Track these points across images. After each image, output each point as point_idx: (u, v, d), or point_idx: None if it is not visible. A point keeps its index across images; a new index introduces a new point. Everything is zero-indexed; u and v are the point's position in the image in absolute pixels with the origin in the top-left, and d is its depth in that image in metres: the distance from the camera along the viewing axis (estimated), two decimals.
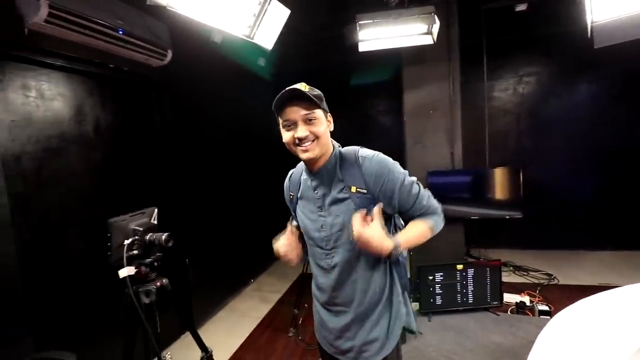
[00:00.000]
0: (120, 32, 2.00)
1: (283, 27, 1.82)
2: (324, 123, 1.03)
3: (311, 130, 1.00)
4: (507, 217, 2.94)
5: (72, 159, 2.08)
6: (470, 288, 2.83)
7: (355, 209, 1.02)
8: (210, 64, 3.10)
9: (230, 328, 2.99)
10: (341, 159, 1.08)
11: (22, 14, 1.65)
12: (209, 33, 2.71)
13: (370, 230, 0.95)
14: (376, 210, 0.98)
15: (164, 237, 1.38)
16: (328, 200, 1.07)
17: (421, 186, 1.09)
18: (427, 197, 1.09)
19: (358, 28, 2.37)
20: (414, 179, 1.09)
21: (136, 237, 1.32)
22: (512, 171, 2.93)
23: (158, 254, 1.42)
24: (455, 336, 2.55)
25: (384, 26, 2.35)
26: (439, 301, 2.85)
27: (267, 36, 1.92)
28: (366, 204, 1.02)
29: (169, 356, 1.44)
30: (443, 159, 3.00)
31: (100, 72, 2.19)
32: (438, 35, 2.38)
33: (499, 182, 2.98)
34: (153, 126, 2.70)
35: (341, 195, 1.05)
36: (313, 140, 1.00)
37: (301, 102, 0.98)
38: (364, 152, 1.09)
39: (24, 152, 1.83)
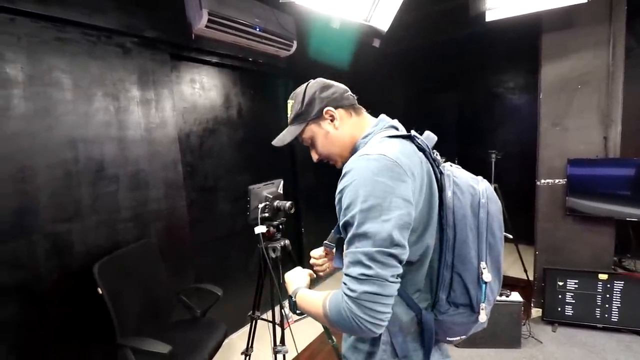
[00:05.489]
0: (257, 29, 2.34)
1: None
2: (320, 135, 0.87)
3: (317, 152, 0.91)
4: None
5: (221, 137, 2.60)
6: (616, 304, 2.35)
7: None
8: (328, 50, 3.30)
9: None
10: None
11: (190, 22, 2.12)
12: (328, 20, 2.87)
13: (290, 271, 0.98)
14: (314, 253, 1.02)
15: (287, 204, 1.63)
16: None
17: (364, 237, 0.65)
18: (351, 256, 0.66)
19: None
20: (365, 222, 0.66)
21: (267, 202, 1.60)
22: None
23: (282, 218, 1.69)
24: (587, 355, 2.19)
25: None
26: (569, 311, 2.46)
27: (383, 18, 1.94)
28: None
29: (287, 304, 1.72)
30: (591, 145, 2.47)
31: (242, 65, 2.62)
32: None
33: None
34: (279, 109, 3.10)
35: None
36: (327, 157, 0.91)
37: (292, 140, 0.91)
38: (362, 152, 0.74)
39: (191, 131, 2.38)
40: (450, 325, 0.77)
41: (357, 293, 0.64)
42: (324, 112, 0.85)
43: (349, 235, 0.69)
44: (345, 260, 0.68)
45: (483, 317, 0.76)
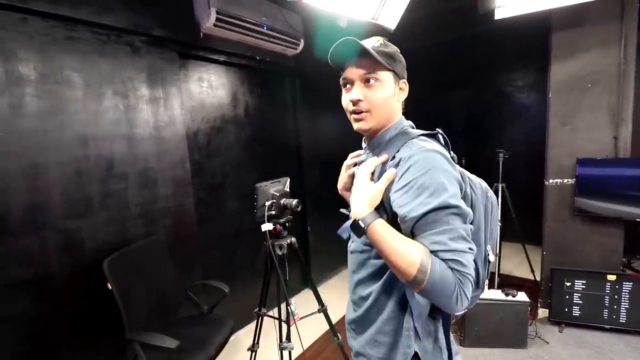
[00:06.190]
0: (265, 28, 2.35)
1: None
2: (388, 89, 0.82)
3: (367, 96, 0.81)
4: None
5: (229, 135, 2.61)
6: (625, 305, 2.33)
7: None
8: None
9: (342, 293, 3.26)
10: (397, 136, 0.85)
11: (198, 21, 2.13)
12: (335, 19, 2.87)
13: (362, 180, 0.81)
14: (387, 176, 0.78)
15: (294, 202, 1.64)
16: None
17: (459, 216, 0.71)
18: (452, 233, 0.69)
19: None
20: (452, 207, 0.70)
21: (274, 200, 1.61)
22: None
23: (289, 216, 1.70)
24: (594, 356, 2.18)
25: None
26: (576, 312, 2.45)
27: (391, 16, 1.93)
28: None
29: (294, 301, 1.73)
30: (601, 144, 2.44)
31: (249, 64, 2.63)
32: None
33: None
34: (286, 108, 3.10)
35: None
36: (368, 109, 0.82)
37: (364, 59, 0.80)
38: (418, 146, 0.77)
39: (199, 129, 2.40)
40: None
41: (469, 268, 0.68)
42: (402, 80, 0.86)
43: (441, 213, 0.69)
44: (443, 237, 0.68)
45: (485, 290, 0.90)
